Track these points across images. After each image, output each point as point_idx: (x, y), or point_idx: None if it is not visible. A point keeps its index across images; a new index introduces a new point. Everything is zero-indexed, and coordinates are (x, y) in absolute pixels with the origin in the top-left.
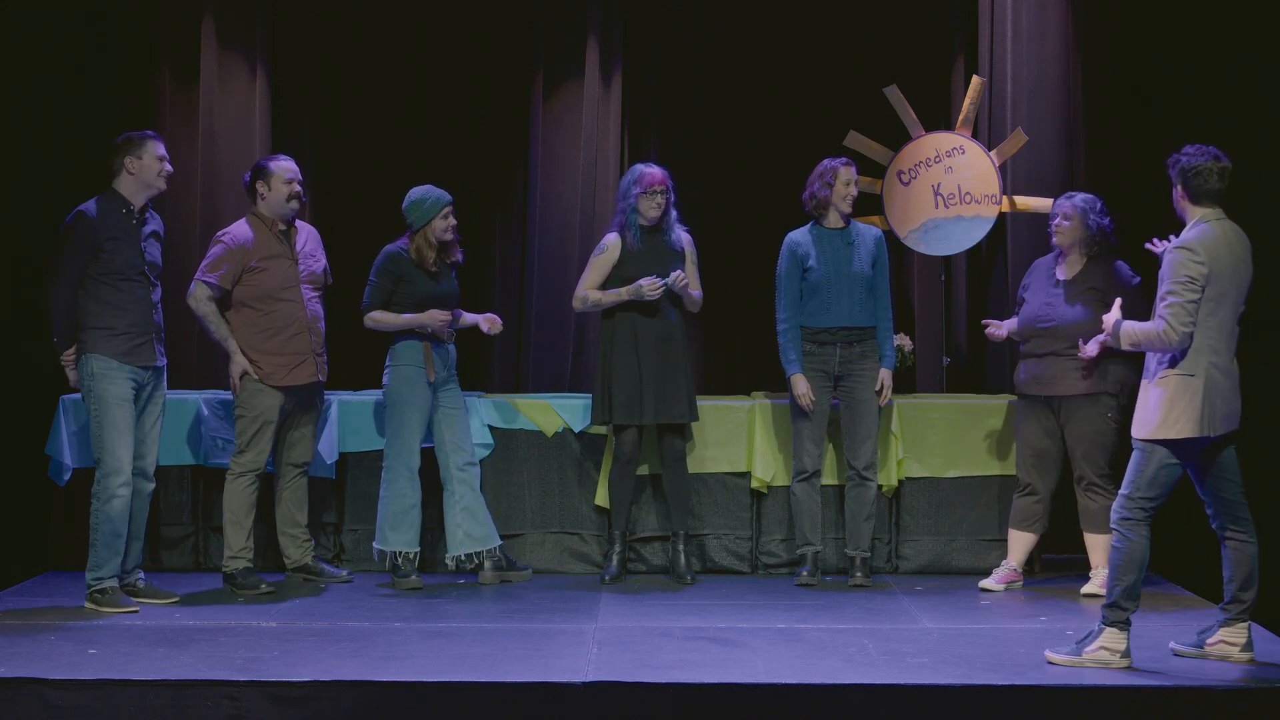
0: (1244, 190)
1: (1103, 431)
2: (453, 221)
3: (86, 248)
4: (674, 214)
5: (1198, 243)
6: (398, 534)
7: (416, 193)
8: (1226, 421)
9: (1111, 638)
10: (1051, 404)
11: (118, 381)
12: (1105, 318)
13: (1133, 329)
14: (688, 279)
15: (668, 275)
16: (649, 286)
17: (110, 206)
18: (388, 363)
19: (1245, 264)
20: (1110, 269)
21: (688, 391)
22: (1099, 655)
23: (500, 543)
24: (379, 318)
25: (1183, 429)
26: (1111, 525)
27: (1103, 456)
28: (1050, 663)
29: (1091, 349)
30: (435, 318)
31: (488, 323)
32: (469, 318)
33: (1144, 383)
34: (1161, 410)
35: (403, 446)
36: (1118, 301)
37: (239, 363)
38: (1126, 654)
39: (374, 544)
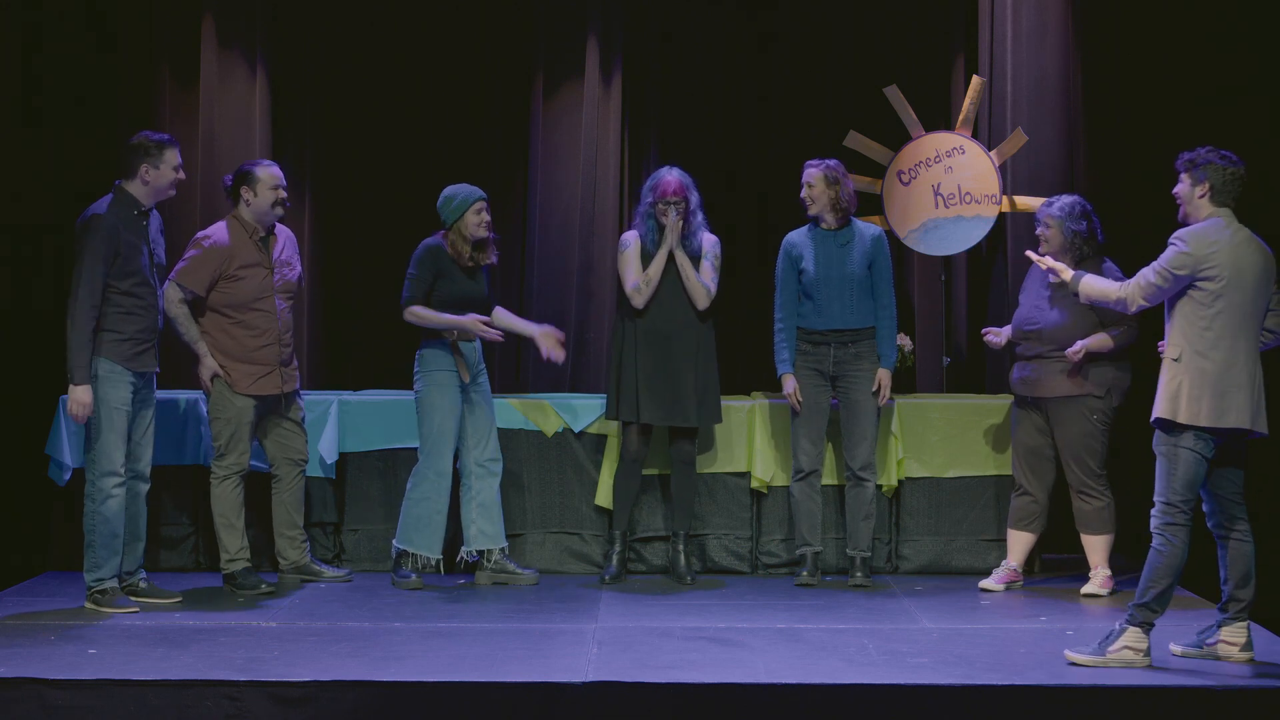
0: (1245, 191)
1: (1089, 433)
2: (486, 218)
3: (108, 252)
4: (698, 218)
5: (1195, 236)
6: (422, 537)
7: (449, 190)
8: (1223, 416)
9: (1135, 637)
10: (1040, 406)
11: (120, 386)
12: (1060, 268)
13: (1094, 281)
14: (677, 225)
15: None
16: (670, 228)
17: (122, 207)
18: (417, 368)
19: (1259, 269)
20: (1098, 271)
21: (701, 394)
22: (1123, 655)
23: (505, 544)
24: (421, 313)
25: (1161, 410)
26: (1153, 530)
27: (1091, 459)
28: (1072, 663)
29: (1076, 348)
30: (477, 323)
31: (546, 345)
32: (519, 325)
33: None
34: (1159, 393)
35: (432, 450)
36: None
37: (208, 365)
38: (1148, 654)
39: (394, 541)
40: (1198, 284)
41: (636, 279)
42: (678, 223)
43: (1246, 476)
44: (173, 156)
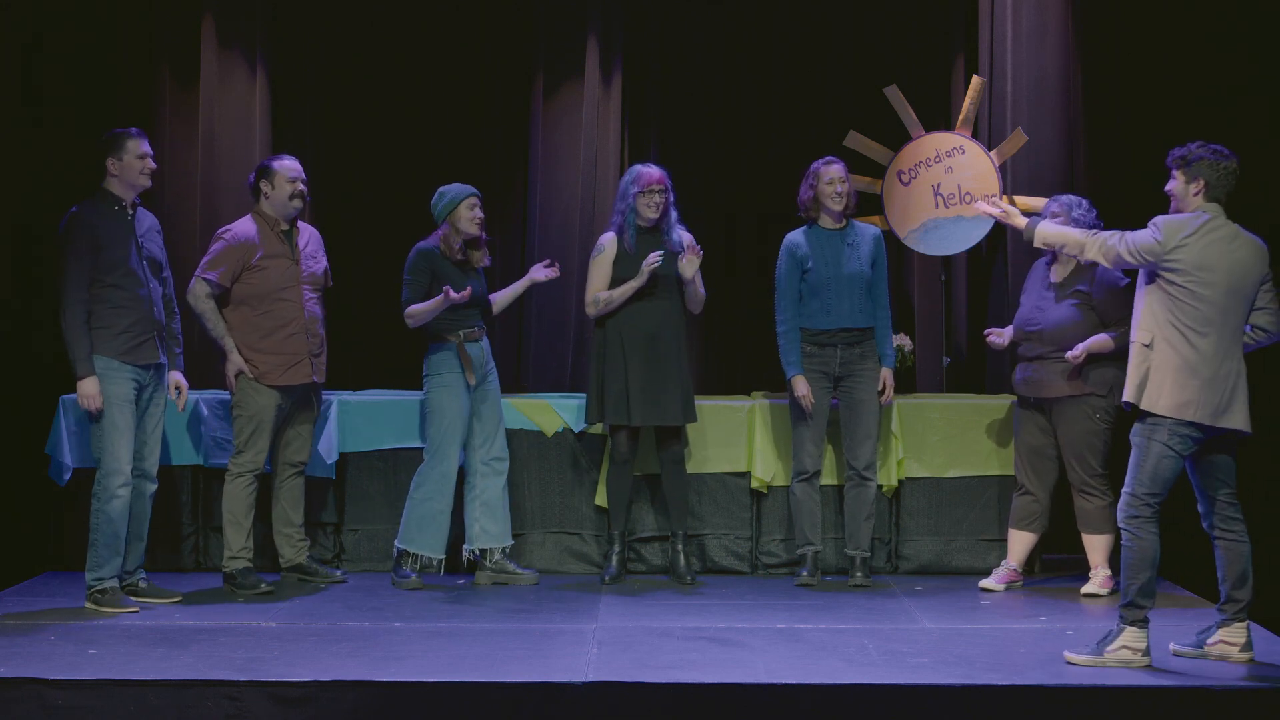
0: (1244, 190)
1: (1092, 432)
2: (479, 215)
3: (87, 248)
4: (674, 215)
5: (1171, 227)
6: (424, 536)
7: (442, 188)
8: (1183, 408)
9: (1132, 636)
10: (1043, 406)
11: (119, 381)
12: (1013, 212)
13: (1049, 226)
14: (690, 259)
15: (664, 272)
16: (647, 264)
17: (102, 205)
18: (425, 372)
19: (1241, 267)
20: (1096, 270)
21: (684, 394)
22: (1121, 655)
23: (510, 543)
24: (415, 309)
25: (1127, 393)
26: (1120, 524)
27: (1093, 458)
28: (1071, 664)
29: (1077, 351)
30: (449, 295)
31: (544, 274)
32: (513, 289)
33: None
34: (1127, 377)
35: (438, 452)
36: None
37: (234, 361)
38: (1147, 653)
39: (396, 541)
40: (1161, 273)
41: (597, 292)
42: (656, 261)
43: (1242, 477)
44: (135, 146)
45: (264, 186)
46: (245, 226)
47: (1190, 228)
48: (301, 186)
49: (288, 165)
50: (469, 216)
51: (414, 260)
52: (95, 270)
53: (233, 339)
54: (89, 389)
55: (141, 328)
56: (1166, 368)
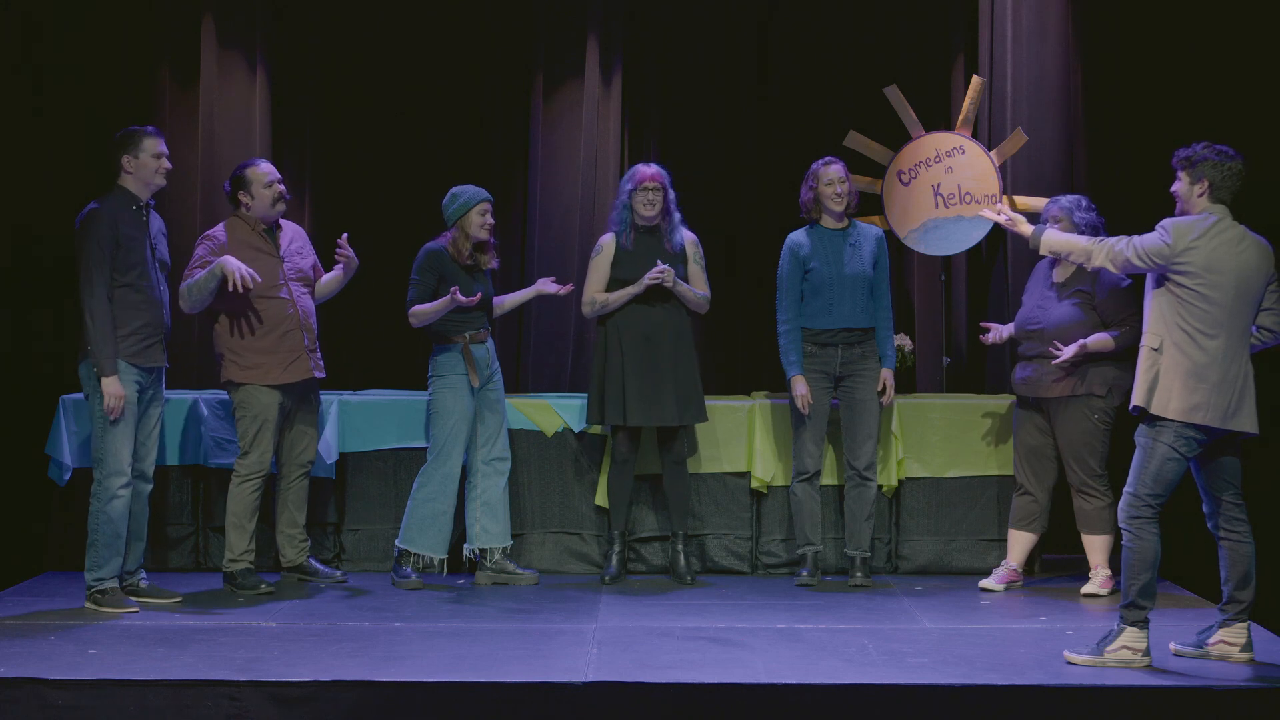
0: (1247, 190)
1: (1090, 433)
2: (490, 220)
3: (109, 243)
4: (676, 216)
5: (1179, 229)
6: (425, 537)
7: (455, 189)
8: (1192, 411)
9: (1133, 637)
10: (1041, 406)
11: (125, 383)
12: (1018, 219)
13: (1056, 234)
14: (668, 276)
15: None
16: (649, 278)
17: (120, 203)
18: (430, 373)
19: (1248, 268)
20: (1097, 271)
21: (683, 394)
22: (1121, 655)
23: (509, 543)
24: (419, 310)
25: (1136, 397)
26: (1121, 524)
27: (1091, 458)
28: (1071, 663)
29: (1067, 353)
30: (457, 296)
31: (552, 288)
32: (518, 296)
33: None
34: (1135, 380)
35: (441, 453)
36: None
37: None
38: (1147, 653)
39: (396, 541)
40: (1171, 276)
41: (594, 293)
42: (666, 275)
43: (1245, 477)
44: (152, 145)
45: (243, 197)
46: (221, 233)
47: (1198, 230)
48: (280, 188)
49: (263, 170)
50: (480, 222)
51: (422, 260)
52: (113, 269)
53: (229, 342)
54: (115, 389)
55: (152, 330)
56: (1175, 371)
